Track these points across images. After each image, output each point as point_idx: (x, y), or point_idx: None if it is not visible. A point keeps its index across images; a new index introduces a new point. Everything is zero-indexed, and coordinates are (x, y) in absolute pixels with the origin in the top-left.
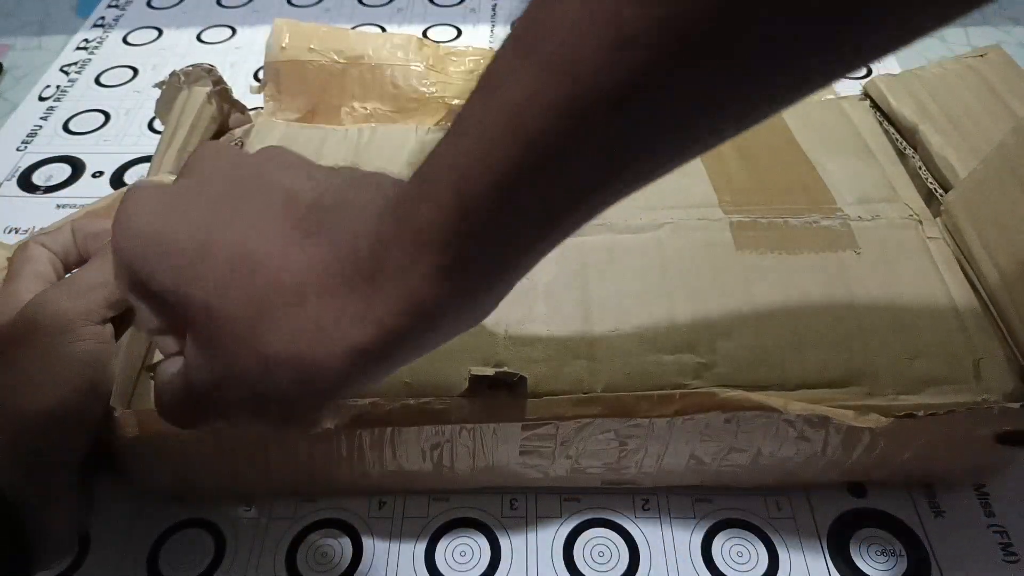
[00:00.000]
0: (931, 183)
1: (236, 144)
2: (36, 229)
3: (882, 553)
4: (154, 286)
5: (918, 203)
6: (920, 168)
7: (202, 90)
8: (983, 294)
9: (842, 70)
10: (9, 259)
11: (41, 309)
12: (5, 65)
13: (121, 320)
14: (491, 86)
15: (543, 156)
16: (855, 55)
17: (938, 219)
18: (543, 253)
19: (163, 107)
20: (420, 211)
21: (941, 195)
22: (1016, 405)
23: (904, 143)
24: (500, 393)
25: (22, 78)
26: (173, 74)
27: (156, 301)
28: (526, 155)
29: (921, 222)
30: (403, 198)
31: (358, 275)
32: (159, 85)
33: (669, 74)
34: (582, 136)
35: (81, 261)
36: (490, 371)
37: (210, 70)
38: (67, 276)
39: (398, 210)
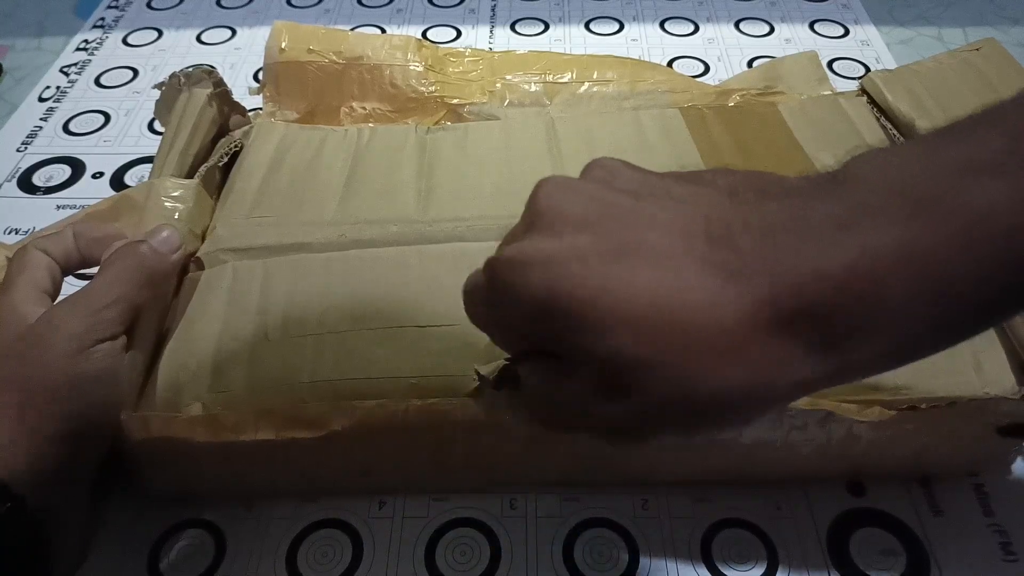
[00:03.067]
0: None
1: (235, 146)
2: (36, 230)
3: (881, 552)
4: (545, 337)
5: None
6: None
7: (202, 92)
8: None
9: None
10: (8, 259)
11: (52, 329)
12: (5, 66)
13: (129, 329)
14: None
15: None
16: None
17: None
18: None
19: (163, 109)
20: (945, 261)
21: None
22: (1017, 397)
23: (901, 138)
24: (506, 391)
25: (22, 79)
26: (173, 76)
27: (531, 340)
28: None
29: None
30: (899, 237)
31: (812, 322)
32: (159, 87)
33: None
34: None
35: (82, 265)
36: (496, 370)
37: (211, 72)
38: (80, 287)
39: (904, 257)
